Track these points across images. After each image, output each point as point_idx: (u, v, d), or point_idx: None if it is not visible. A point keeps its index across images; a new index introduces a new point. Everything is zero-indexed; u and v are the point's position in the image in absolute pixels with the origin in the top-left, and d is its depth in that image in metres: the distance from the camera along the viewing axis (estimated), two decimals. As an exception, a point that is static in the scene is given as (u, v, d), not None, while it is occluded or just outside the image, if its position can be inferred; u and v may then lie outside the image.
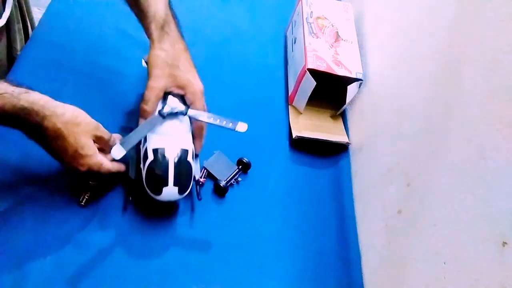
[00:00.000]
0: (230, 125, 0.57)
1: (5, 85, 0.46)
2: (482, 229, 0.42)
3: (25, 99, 0.46)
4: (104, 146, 0.55)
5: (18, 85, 0.48)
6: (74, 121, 0.50)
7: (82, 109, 0.53)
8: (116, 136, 0.57)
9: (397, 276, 0.56)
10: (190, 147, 0.57)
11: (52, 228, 0.55)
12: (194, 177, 0.58)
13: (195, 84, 0.57)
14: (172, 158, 0.54)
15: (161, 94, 0.56)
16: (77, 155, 0.51)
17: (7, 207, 0.55)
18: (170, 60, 0.55)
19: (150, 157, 0.54)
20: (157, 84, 0.55)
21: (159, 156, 0.54)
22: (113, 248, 0.56)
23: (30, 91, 0.48)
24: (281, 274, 0.61)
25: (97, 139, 0.53)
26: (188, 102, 0.58)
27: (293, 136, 0.74)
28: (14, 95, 0.46)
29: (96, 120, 0.54)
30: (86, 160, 0.51)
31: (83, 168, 0.52)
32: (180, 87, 0.57)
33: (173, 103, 0.56)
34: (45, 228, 0.55)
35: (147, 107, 0.55)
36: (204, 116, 0.57)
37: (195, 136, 0.59)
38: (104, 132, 0.54)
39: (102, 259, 0.55)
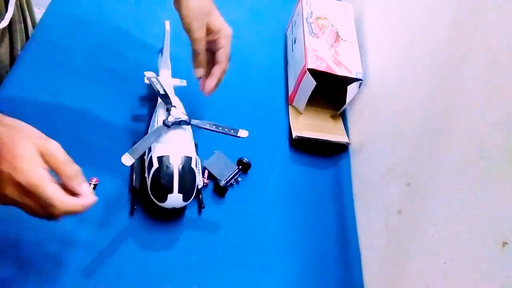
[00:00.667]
0: (231, 132, 0.60)
1: None
2: (482, 229, 0.42)
3: None
4: (56, 169, 0.40)
5: None
6: (17, 125, 0.40)
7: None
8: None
9: (397, 276, 0.56)
10: (193, 154, 0.58)
11: (52, 228, 0.55)
12: (197, 185, 0.59)
13: (226, 28, 0.59)
14: (176, 165, 0.55)
15: (205, 43, 0.58)
16: (10, 156, 0.38)
17: (7, 207, 0.55)
18: (205, 9, 0.57)
19: (155, 165, 0.55)
20: (201, 35, 0.57)
21: (163, 163, 0.55)
22: (113, 248, 0.56)
23: None
24: (281, 274, 0.61)
25: (44, 155, 0.40)
26: (219, 46, 0.59)
27: (293, 136, 0.74)
28: None
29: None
30: (19, 163, 0.38)
31: (16, 176, 0.37)
32: (214, 32, 0.58)
33: (176, 114, 0.58)
34: (45, 228, 0.55)
35: (200, 57, 0.58)
36: (206, 125, 0.60)
37: (218, 61, 0.60)
38: (55, 151, 0.40)
39: (102, 259, 0.55)
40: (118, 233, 0.57)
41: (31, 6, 0.82)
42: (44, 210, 0.40)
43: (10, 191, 0.38)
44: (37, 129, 0.43)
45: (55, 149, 0.40)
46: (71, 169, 0.41)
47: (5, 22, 0.66)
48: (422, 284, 0.50)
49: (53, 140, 0.41)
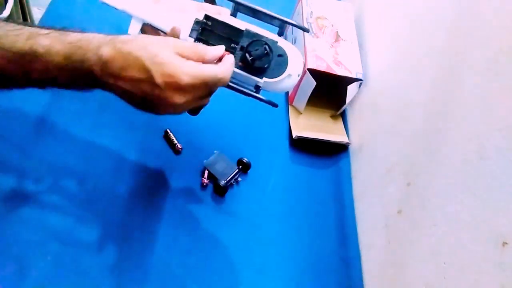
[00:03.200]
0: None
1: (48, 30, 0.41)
2: (482, 229, 0.42)
3: (72, 36, 0.41)
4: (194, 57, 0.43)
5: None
6: (144, 42, 0.41)
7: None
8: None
9: (397, 276, 0.56)
10: None
11: (52, 228, 0.55)
12: None
13: None
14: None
15: None
16: (153, 70, 0.39)
17: (7, 206, 0.55)
18: None
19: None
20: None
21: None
22: (112, 248, 0.56)
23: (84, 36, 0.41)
24: (281, 274, 0.61)
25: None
26: None
27: (293, 136, 0.74)
28: (60, 35, 0.40)
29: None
30: (166, 69, 0.39)
31: (175, 82, 0.40)
32: None
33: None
34: (45, 228, 0.55)
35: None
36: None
37: None
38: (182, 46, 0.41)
39: (101, 259, 0.55)
40: (117, 233, 0.57)
41: (29, 5, 0.82)
42: (209, 94, 0.45)
43: (178, 98, 0.41)
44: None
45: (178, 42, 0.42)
46: (202, 49, 0.43)
47: (6, 12, 0.66)
48: (422, 284, 0.50)
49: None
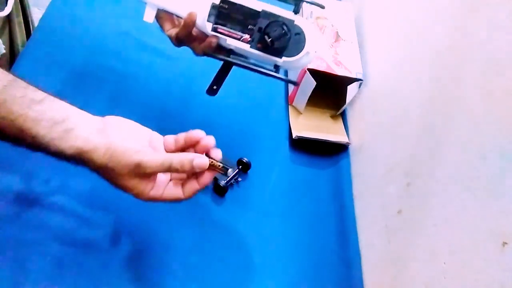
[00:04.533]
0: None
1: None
2: (482, 229, 0.42)
3: (56, 145, 0.45)
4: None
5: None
6: (105, 167, 0.45)
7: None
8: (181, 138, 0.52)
9: (397, 276, 0.56)
10: None
11: (52, 228, 0.55)
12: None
13: None
14: None
15: None
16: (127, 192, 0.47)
17: (7, 206, 0.55)
18: None
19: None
20: None
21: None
22: (112, 248, 0.56)
23: (63, 134, 0.45)
24: (281, 274, 0.61)
25: (146, 175, 0.46)
26: None
27: (293, 136, 0.74)
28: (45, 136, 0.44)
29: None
30: (140, 198, 0.47)
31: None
32: None
33: None
34: (45, 228, 0.55)
35: None
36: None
37: None
38: (150, 167, 0.44)
39: (102, 259, 0.55)
40: (117, 233, 0.57)
41: (28, 3, 0.82)
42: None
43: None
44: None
45: (145, 168, 0.44)
46: (170, 167, 0.46)
47: (8, 9, 0.66)
48: (422, 284, 0.50)
49: (140, 165, 0.44)
